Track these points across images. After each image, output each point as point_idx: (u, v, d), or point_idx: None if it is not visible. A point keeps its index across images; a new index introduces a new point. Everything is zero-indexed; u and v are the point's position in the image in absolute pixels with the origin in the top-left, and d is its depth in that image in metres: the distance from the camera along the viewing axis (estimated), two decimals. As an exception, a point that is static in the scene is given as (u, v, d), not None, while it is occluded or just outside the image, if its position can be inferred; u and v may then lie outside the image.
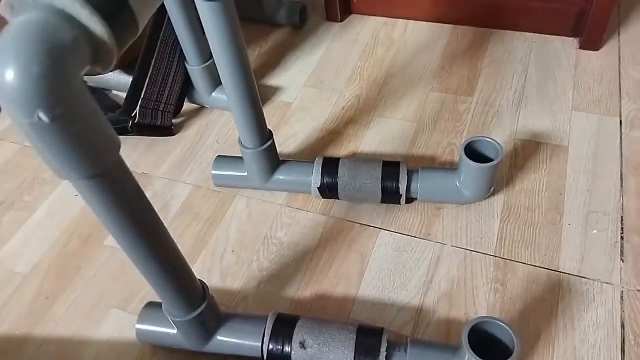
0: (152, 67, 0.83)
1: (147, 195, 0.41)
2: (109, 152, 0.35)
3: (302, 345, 0.54)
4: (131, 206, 0.40)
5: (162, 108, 0.85)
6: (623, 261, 0.63)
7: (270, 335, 0.55)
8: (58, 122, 0.30)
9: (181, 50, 0.84)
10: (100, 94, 0.97)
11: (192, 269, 0.51)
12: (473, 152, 0.65)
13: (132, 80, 0.82)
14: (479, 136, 0.65)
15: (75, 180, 0.35)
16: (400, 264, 0.66)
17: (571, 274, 0.62)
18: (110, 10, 0.32)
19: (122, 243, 0.43)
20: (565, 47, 0.94)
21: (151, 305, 0.60)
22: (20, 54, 0.28)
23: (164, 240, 0.45)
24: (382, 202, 0.71)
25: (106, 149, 0.35)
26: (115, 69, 0.93)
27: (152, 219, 0.43)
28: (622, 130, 0.78)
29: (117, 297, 0.67)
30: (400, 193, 0.68)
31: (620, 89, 0.85)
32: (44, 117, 0.29)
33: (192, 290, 0.51)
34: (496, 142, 0.64)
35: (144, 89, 0.82)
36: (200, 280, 0.54)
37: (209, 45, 0.58)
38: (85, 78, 0.90)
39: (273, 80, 0.96)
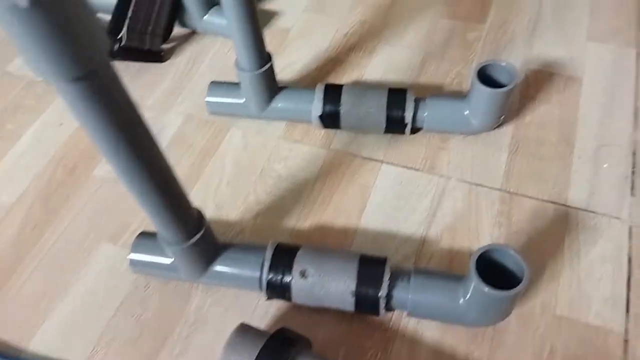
0: (138, -16, 0.76)
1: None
2: (97, 50, 0.31)
3: (303, 274, 0.52)
4: (122, 117, 0.36)
5: (149, 31, 0.79)
6: (633, 196, 0.61)
7: (270, 265, 0.53)
8: (38, 8, 0.25)
9: (169, -33, 0.77)
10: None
11: (187, 196, 0.48)
12: (484, 79, 0.61)
13: (118, 0, 0.76)
14: (493, 60, 0.61)
15: (58, 82, 0.31)
16: (402, 198, 0.64)
17: (579, 208, 0.60)
18: None
19: (111, 161, 0.39)
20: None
21: (144, 235, 0.58)
22: None
23: (158, 159, 0.42)
24: (385, 132, 0.67)
25: (93, 46, 0.30)
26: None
27: (144, 134, 0.40)
28: (638, 62, 0.74)
29: (107, 230, 0.64)
30: (406, 122, 0.65)
31: (639, 17, 0.80)
32: (21, 0, 0.25)
33: (189, 215, 0.48)
34: (511, 65, 0.60)
35: (130, 9, 0.76)
36: (196, 207, 0.51)
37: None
38: None
39: (270, 4, 0.89)
